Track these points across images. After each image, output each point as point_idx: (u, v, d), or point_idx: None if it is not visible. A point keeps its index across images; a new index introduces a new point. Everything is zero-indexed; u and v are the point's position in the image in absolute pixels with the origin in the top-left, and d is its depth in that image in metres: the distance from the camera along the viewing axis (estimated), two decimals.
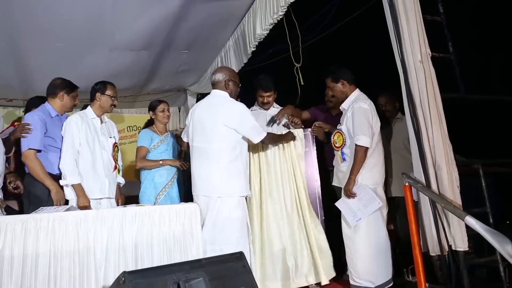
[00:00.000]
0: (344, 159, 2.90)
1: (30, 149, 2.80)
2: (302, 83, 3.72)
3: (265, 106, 3.47)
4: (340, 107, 3.03)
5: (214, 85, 2.92)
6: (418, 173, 2.51)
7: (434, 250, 2.40)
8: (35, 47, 3.96)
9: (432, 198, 2.32)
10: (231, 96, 2.87)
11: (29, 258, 2.14)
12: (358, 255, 2.78)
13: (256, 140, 2.77)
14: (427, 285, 2.32)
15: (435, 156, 2.46)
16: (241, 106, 2.83)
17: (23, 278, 2.10)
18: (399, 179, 3.12)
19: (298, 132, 3.19)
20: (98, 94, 3.04)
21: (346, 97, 2.97)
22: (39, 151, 2.83)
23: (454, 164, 2.47)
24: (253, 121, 2.78)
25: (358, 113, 2.80)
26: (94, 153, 2.90)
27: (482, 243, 2.68)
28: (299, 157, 3.14)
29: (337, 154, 2.96)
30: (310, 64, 3.75)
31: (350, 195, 2.77)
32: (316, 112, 3.66)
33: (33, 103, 3.31)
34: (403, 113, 3.33)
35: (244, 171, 2.80)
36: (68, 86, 3.05)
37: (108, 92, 3.05)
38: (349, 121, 2.85)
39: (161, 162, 3.26)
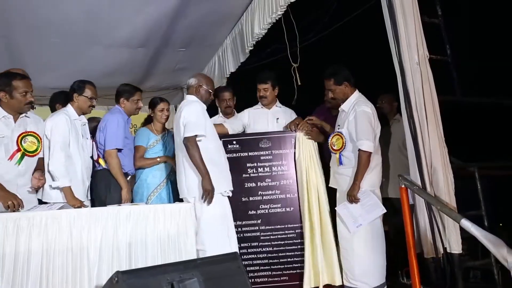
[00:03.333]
0: (341, 163, 2.87)
1: (115, 148, 2.95)
2: (299, 83, 3.70)
3: (262, 100, 3.39)
4: (340, 108, 2.99)
5: (188, 90, 2.99)
6: (414, 175, 2.51)
7: (429, 253, 2.40)
8: (30, 42, 3.91)
9: (428, 200, 2.33)
10: (201, 101, 2.88)
11: (21, 256, 2.10)
12: (355, 256, 2.77)
13: (185, 134, 2.68)
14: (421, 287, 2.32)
15: (431, 158, 2.46)
16: (196, 104, 2.82)
17: (14, 277, 2.07)
18: (395, 181, 3.13)
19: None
20: (75, 95, 2.89)
21: (346, 98, 2.94)
22: (119, 150, 2.99)
23: (450, 167, 2.48)
24: (196, 119, 2.71)
25: (362, 117, 2.78)
26: (76, 156, 2.82)
27: (476, 245, 2.69)
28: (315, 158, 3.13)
29: (335, 157, 2.93)
30: (307, 64, 3.73)
31: (354, 200, 2.75)
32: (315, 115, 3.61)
33: (58, 97, 3.32)
34: (401, 115, 3.34)
35: (215, 169, 2.69)
36: (126, 92, 3.14)
37: (86, 93, 2.89)
38: (351, 125, 2.82)
39: (158, 159, 3.20)
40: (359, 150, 2.73)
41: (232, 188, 2.83)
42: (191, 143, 2.67)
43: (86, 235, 2.27)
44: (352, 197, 2.74)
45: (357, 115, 2.80)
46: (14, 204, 2.33)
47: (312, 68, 3.56)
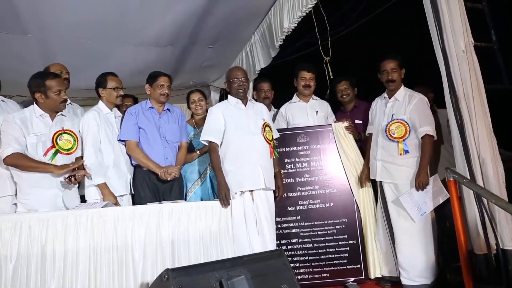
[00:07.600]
0: (407, 151, 2.79)
1: (120, 140, 2.86)
2: (332, 77, 3.63)
3: (306, 89, 3.34)
4: (393, 96, 2.93)
5: None
6: (462, 168, 2.42)
7: (481, 249, 2.30)
8: (62, 43, 3.97)
9: (482, 194, 2.22)
10: (231, 94, 2.80)
11: (70, 254, 2.15)
12: (419, 251, 2.73)
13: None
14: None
15: (480, 150, 2.36)
16: (214, 108, 2.80)
17: (64, 274, 2.12)
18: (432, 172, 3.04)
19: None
20: (100, 89, 2.90)
21: (398, 85, 2.93)
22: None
23: (499, 159, 2.37)
24: (207, 124, 2.72)
25: (424, 104, 2.83)
26: (115, 149, 2.83)
27: None
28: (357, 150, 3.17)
29: (396, 145, 2.82)
30: (338, 57, 3.65)
31: (423, 186, 2.71)
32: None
33: None
34: (437, 106, 3.23)
35: (233, 168, 2.63)
36: (150, 78, 2.98)
37: (110, 84, 2.88)
38: (413, 112, 2.80)
39: (197, 152, 3.13)
40: (426, 135, 2.74)
41: (250, 188, 2.61)
42: (209, 148, 2.72)
43: (130, 233, 2.30)
44: (423, 183, 2.70)
45: (418, 102, 2.82)
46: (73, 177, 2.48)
47: (344, 61, 3.48)
